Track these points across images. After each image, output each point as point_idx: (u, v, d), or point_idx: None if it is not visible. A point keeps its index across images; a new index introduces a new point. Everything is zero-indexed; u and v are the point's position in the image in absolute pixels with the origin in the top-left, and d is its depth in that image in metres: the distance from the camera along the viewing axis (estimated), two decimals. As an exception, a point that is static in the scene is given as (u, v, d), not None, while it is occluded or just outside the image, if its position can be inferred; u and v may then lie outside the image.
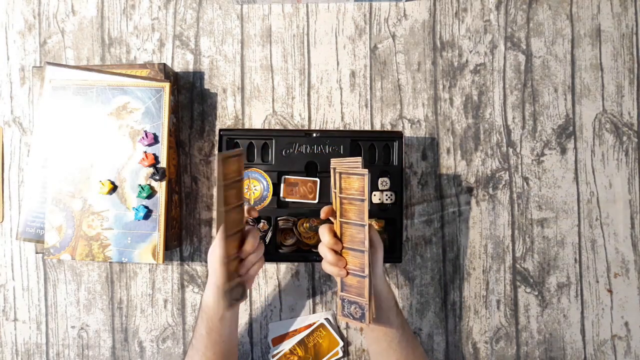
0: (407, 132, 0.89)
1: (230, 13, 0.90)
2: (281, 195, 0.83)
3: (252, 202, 0.83)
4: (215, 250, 0.65)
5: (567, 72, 0.90)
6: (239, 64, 0.90)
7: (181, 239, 0.88)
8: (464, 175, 0.89)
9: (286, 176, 0.83)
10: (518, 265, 0.89)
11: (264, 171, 0.82)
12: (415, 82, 0.89)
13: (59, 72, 0.80)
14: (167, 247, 0.80)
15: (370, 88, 0.89)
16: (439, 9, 0.90)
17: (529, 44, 0.90)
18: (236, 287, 0.68)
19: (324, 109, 0.89)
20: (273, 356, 0.87)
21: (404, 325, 0.71)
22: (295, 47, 0.90)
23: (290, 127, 0.89)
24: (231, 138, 0.83)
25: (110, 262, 0.88)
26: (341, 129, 0.89)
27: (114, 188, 0.79)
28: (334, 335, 0.87)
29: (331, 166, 0.68)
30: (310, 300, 0.88)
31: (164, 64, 0.83)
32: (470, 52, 0.89)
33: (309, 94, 0.90)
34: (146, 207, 0.78)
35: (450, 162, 0.89)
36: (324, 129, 0.89)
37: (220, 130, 0.82)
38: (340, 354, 0.87)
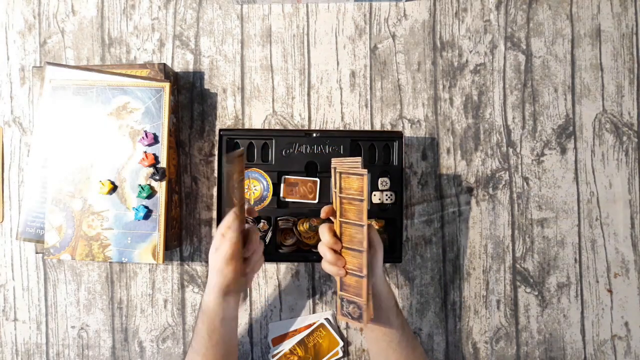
0: (407, 132, 0.89)
1: (230, 13, 0.90)
2: (281, 195, 0.83)
3: (252, 202, 0.83)
4: (222, 250, 0.65)
5: (567, 72, 0.90)
6: (239, 64, 0.90)
7: (181, 239, 0.88)
8: (464, 175, 0.89)
9: (286, 176, 0.83)
10: (518, 265, 0.89)
11: (264, 171, 0.82)
12: (415, 82, 0.89)
13: (59, 72, 0.80)
14: (167, 247, 0.80)
15: (370, 88, 0.89)
16: (439, 9, 0.90)
17: (529, 44, 0.90)
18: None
19: (324, 109, 0.89)
20: (273, 356, 0.87)
21: (404, 325, 0.71)
22: (295, 47, 0.90)
23: (290, 127, 0.89)
24: (231, 138, 0.83)
25: (110, 262, 0.88)
26: (341, 129, 0.89)
27: (114, 188, 0.79)
28: (334, 335, 0.87)
29: (332, 166, 0.68)
30: (310, 300, 0.88)
31: (164, 64, 0.83)
32: (470, 52, 0.89)
33: (309, 94, 0.90)
34: (146, 207, 0.78)
35: (450, 162, 0.89)
36: (324, 129, 0.89)
37: (220, 130, 0.82)
38: (340, 354, 0.87)
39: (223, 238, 0.65)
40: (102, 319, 0.88)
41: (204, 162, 0.89)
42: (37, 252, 0.87)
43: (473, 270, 0.89)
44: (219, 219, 0.82)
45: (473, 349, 0.88)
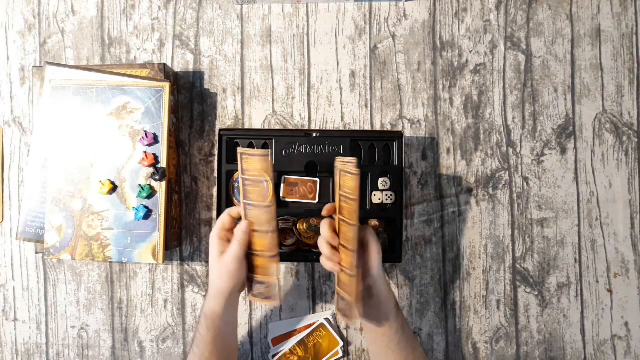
0: (407, 132, 0.89)
1: (230, 13, 0.90)
2: (281, 195, 0.83)
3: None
4: (233, 251, 0.66)
5: (567, 72, 0.90)
6: (239, 64, 0.90)
7: (181, 239, 0.88)
8: (464, 175, 0.89)
9: (286, 176, 0.83)
10: (518, 265, 0.89)
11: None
12: (415, 82, 0.89)
13: (59, 72, 0.80)
14: (167, 247, 0.80)
15: (370, 88, 0.89)
16: (439, 9, 0.90)
17: (529, 44, 0.90)
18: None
19: (324, 109, 0.89)
20: (273, 356, 0.87)
21: (403, 326, 0.71)
22: (295, 47, 0.90)
23: (290, 127, 0.89)
24: (231, 138, 0.83)
25: (110, 262, 0.88)
26: (341, 129, 0.89)
27: (114, 188, 0.79)
28: (334, 335, 0.87)
29: (335, 164, 0.69)
30: (310, 300, 0.88)
31: (164, 64, 0.83)
32: (470, 52, 0.89)
33: (309, 94, 0.90)
34: (146, 207, 0.78)
35: (450, 162, 0.89)
36: (324, 129, 0.89)
37: (220, 130, 0.82)
38: (340, 354, 0.87)
39: (230, 241, 0.67)
40: (102, 319, 0.88)
41: (204, 162, 0.89)
42: (37, 252, 0.87)
43: (473, 270, 0.89)
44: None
45: (473, 349, 0.88)
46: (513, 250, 0.89)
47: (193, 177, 0.89)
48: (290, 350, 0.86)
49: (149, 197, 0.78)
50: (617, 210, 0.89)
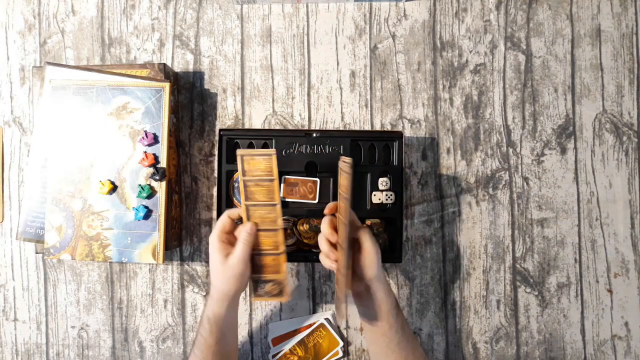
0: (407, 132, 0.89)
1: (230, 13, 0.90)
2: (281, 195, 0.83)
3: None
4: (239, 254, 0.66)
5: (567, 72, 0.90)
6: (239, 64, 0.90)
7: (181, 239, 0.88)
8: (464, 175, 0.89)
9: (286, 176, 0.83)
10: (518, 265, 0.89)
11: (264, 171, 0.82)
12: (415, 82, 0.89)
13: (59, 72, 0.80)
14: (167, 247, 0.80)
15: (370, 88, 0.89)
16: (439, 9, 0.90)
17: (529, 44, 0.90)
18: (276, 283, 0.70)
19: (324, 109, 0.89)
20: (273, 356, 0.87)
21: (403, 326, 0.71)
22: (295, 47, 0.90)
23: (290, 127, 0.89)
24: (231, 138, 0.83)
25: (110, 262, 0.88)
26: (341, 129, 0.89)
27: (114, 188, 0.79)
28: (334, 335, 0.87)
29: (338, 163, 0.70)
30: (310, 300, 0.88)
31: (164, 64, 0.83)
32: (470, 52, 0.89)
33: (309, 94, 0.90)
34: (146, 207, 0.78)
35: (450, 162, 0.89)
36: (324, 129, 0.89)
37: (220, 130, 0.82)
38: (340, 354, 0.87)
39: (231, 243, 0.68)
40: (102, 319, 0.88)
41: (204, 162, 0.89)
42: (37, 252, 0.87)
43: (473, 270, 0.89)
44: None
45: (473, 349, 0.88)
46: (513, 250, 0.89)
47: (193, 177, 0.89)
48: (290, 350, 0.86)
49: (149, 197, 0.78)
50: (617, 210, 0.89)
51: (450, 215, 0.89)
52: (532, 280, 0.89)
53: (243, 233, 0.67)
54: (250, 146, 0.84)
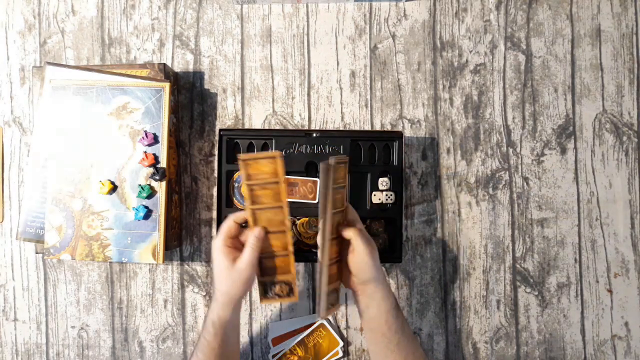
0: (407, 132, 0.89)
1: (230, 13, 0.90)
2: (281, 195, 0.83)
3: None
4: (247, 258, 0.66)
5: (567, 72, 0.90)
6: (239, 64, 0.90)
7: (181, 239, 0.88)
8: (464, 175, 0.89)
9: (286, 176, 0.83)
10: (518, 265, 0.89)
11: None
12: (415, 82, 0.89)
13: (59, 72, 0.80)
14: (167, 247, 0.80)
15: (370, 88, 0.89)
16: (439, 9, 0.90)
17: (529, 44, 0.90)
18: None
19: (324, 109, 0.89)
20: (273, 356, 0.87)
21: (403, 327, 0.71)
22: (295, 47, 0.90)
23: (290, 127, 0.89)
24: (231, 138, 0.83)
25: (110, 262, 0.88)
26: (341, 129, 0.89)
27: (114, 188, 0.79)
28: (334, 335, 0.87)
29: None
30: (310, 300, 0.88)
31: (164, 64, 0.83)
32: (470, 52, 0.89)
33: (309, 94, 0.90)
34: (146, 207, 0.78)
35: (450, 162, 0.89)
36: (324, 129, 0.89)
37: (220, 130, 0.82)
38: (340, 354, 0.87)
39: (237, 248, 0.67)
40: (102, 319, 0.88)
41: (204, 162, 0.89)
42: (37, 252, 0.87)
43: (473, 270, 0.89)
44: (219, 220, 0.82)
45: (473, 349, 0.88)
46: (513, 250, 0.89)
47: (193, 177, 0.89)
48: (290, 350, 0.86)
49: (149, 197, 0.78)
50: (617, 210, 0.89)
51: (450, 215, 0.89)
52: (532, 280, 0.89)
53: (251, 238, 0.66)
54: (250, 146, 0.84)
